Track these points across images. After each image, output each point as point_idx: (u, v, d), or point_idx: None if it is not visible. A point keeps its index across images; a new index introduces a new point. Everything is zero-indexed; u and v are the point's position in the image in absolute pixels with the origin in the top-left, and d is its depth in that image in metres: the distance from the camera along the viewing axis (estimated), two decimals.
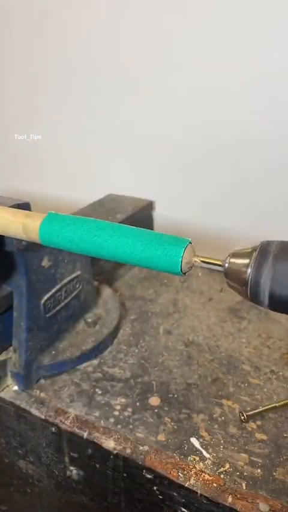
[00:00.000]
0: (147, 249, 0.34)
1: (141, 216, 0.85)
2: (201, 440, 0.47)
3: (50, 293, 0.55)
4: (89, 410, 0.51)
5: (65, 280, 0.58)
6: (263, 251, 0.32)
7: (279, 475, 0.43)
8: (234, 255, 0.35)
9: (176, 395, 0.53)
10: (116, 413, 0.51)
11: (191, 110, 0.79)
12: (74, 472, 0.53)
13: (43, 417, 0.51)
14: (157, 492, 0.46)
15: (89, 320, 0.62)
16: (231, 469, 0.44)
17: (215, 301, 0.73)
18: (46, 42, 0.91)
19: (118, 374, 0.57)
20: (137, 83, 0.83)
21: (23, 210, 0.42)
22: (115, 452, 0.47)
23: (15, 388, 0.54)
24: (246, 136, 0.75)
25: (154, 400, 0.53)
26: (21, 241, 0.47)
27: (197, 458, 0.45)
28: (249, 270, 0.32)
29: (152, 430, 0.48)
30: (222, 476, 0.43)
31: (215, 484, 0.43)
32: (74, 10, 0.84)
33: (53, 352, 0.57)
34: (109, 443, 0.47)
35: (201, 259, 0.35)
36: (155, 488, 0.46)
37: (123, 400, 0.53)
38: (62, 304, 0.58)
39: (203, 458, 0.45)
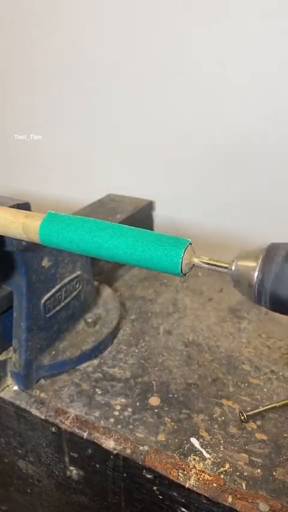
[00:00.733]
0: (147, 249, 0.34)
1: (141, 216, 0.85)
2: (201, 440, 0.47)
3: (50, 293, 0.55)
4: (89, 411, 0.51)
5: (65, 280, 0.58)
6: (270, 254, 0.32)
7: (279, 475, 0.43)
8: (241, 257, 0.34)
9: (176, 396, 0.53)
10: (116, 413, 0.51)
11: (191, 109, 0.79)
12: (74, 472, 0.53)
13: (43, 417, 0.51)
14: (157, 492, 0.46)
15: (89, 320, 0.62)
16: (231, 469, 0.44)
17: (215, 301, 0.73)
18: (46, 42, 0.91)
19: (118, 374, 0.57)
20: (137, 83, 0.83)
21: (23, 210, 0.42)
22: (115, 452, 0.47)
23: (15, 388, 0.54)
24: (247, 136, 0.75)
25: (154, 400, 0.53)
26: (21, 241, 0.47)
27: (197, 458, 0.45)
28: (256, 273, 0.32)
29: (152, 430, 0.48)
30: (222, 476, 0.43)
31: (215, 484, 0.43)
32: (74, 10, 0.84)
33: (53, 352, 0.57)
34: (109, 443, 0.47)
35: (206, 261, 0.35)
36: (155, 488, 0.46)
37: (123, 400, 0.53)
38: (62, 304, 0.58)
39: (203, 458, 0.45)
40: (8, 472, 0.61)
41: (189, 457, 0.45)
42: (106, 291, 0.70)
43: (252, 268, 0.32)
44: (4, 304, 0.54)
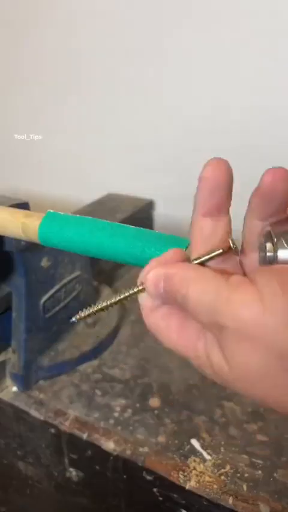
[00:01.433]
0: (147, 249, 0.34)
1: (141, 216, 0.85)
2: (201, 441, 0.47)
3: (50, 293, 0.55)
4: (89, 412, 0.51)
5: (65, 281, 0.58)
6: None
7: (280, 477, 0.43)
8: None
9: (176, 397, 0.53)
10: (116, 414, 0.50)
11: (191, 109, 0.79)
12: (74, 473, 0.52)
13: (42, 418, 0.51)
14: (157, 494, 0.45)
15: (89, 321, 0.61)
16: (232, 471, 0.44)
17: None
18: (46, 42, 0.90)
19: (118, 375, 0.56)
20: (137, 82, 0.83)
21: (22, 210, 0.41)
22: (115, 453, 0.46)
23: (15, 389, 0.54)
24: (247, 135, 0.75)
25: (154, 402, 0.52)
26: (21, 241, 0.46)
27: (198, 460, 0.45)
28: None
29: (152, 432, 0.48)
30: (222, 477, 0.43)
31: (215, 486, 0.42)
32: (74, 10, 0.84)
33: (53, 353, 0.57)
34: (109, 445, 0.47)
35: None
36: (155, 489, 0.45)
37: (123, 401, 0.52)
38: (62, 304, 0.58)
39: (203, 460, 0.45)
40: (8, 473, 0.60)
41: (189, 459, 0.45)
42: (106, 291, 0.70)
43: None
44: (3, 304, 0.53)
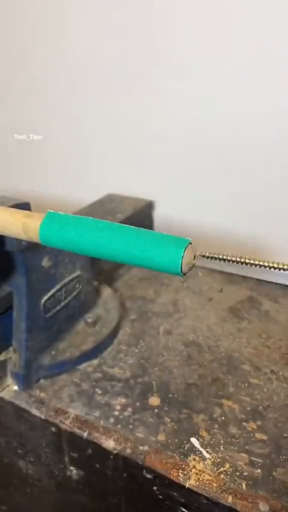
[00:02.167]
0: (147, 249, 0.34)
1: (141, 216, 0.85)
2: (201, 440, 0.47)
3: (50, 293, 0.55)
4: (89, 410, 0.51)
5: (65, 280, 0.58)
6: None
7: (279, 475, 0.43)
8: None
9: (176, 396, 0.53)
10: (116, 413, 0.51)
11: (192, 109, 0.79)
12: (74, 472, 0.53)
13: (43, 417, 0.51)
14: (157, 492, 0.46)
15: (89, 320, 0.62)
16: (231, 469, 0.44)
17: (215, 301, 0.73)
18: (46, 42, 0.91)
19: (118, 374, 0.57)
20: (137, 82, 0.83)
21: (22, 210, 0.42)
22: (115, 452, 0.47)
23: (15, 388, 0.54)
24: (248, 136, 0.75)
25: (154, 400, 0.53)
26: (21, 241, 0.47)
27: (197, 458, 0.45)
28: None
29: (152, 430, 0.48)
30: (222, 476, 0.43)
31: (215, 484, 0.43)
32: (74, 10, 0.84)
33: (53, 352, 0.57)
34: (109, 443, 0.47)
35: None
36: (155, 488, 0.46)
37: (123, 400, 0.53)
38: (62, 304, 0.58)
39: (203, 458, 0.45)
40: (8, 472, 0.61)
41: (189, 457, 0.45)
42: (106, 291, 0.70)
43: None
44: (4, 304, 0.54)
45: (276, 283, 0.78)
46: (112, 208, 0.83)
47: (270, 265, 0.33)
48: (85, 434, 0.49)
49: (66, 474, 0.53)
